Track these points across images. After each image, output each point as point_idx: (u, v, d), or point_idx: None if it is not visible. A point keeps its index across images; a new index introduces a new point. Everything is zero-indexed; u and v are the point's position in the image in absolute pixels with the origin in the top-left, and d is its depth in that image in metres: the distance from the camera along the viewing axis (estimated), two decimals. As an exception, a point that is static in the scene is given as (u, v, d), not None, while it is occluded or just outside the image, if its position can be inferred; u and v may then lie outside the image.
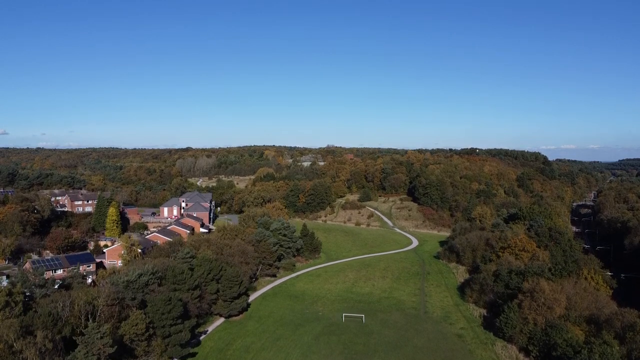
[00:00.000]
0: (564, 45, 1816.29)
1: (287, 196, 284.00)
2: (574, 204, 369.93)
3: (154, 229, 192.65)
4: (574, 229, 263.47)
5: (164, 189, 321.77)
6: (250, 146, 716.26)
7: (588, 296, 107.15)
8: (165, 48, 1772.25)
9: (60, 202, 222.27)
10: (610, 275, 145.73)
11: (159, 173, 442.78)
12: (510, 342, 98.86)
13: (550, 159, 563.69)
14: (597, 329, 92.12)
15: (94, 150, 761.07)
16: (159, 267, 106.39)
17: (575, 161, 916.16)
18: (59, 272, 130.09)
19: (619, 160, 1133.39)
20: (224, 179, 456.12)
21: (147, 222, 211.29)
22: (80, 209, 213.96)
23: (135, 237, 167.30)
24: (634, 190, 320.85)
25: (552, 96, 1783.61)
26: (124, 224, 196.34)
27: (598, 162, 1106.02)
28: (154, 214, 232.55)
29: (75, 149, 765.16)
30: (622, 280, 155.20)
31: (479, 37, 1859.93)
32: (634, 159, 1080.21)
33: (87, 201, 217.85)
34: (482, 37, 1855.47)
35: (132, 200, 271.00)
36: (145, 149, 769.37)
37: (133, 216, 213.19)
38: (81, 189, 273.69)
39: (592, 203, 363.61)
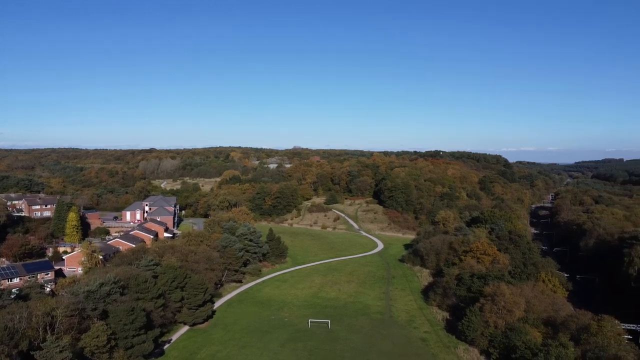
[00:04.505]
0: (524, 48, 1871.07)
1: (253, 199, 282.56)
2: (533, 206, 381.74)
3: (116, 234, 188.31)
4: (532, 230, 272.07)
5: (127, 192, 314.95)
6: (216, 147, 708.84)
7: (546, 299, 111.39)
8: (126, 47, 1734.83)
9: (17, 207, 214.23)
10: (567, 276, 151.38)
11: (121, 175, 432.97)
12: (472, 345, 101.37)
13: (510, 160, 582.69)
14: (554, 331, 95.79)
15: (53, 150, 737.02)
16: (122, 276, 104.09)
17: (534, 163, 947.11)
18: (16, 281, 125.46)
19: (576, 162, 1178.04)
20: (189, 181, 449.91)
21: (109, 227, 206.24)
22: (39, 214, 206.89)
23: (96, 243, 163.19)
24: (589, 193, 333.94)
25: (513, 100, 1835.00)
26: (84, 229, 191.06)
27: (556, 164, 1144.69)
28: (116, 218, 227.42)
29: (33, 150, 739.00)
30: (578, 281, 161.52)
31: (441, 39, 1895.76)
32: (589, 161, 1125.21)
33: (46, 205, 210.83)
34: (445, 38, 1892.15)
35: (93, 204, 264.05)
36: (107, 149, 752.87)
37: (94, 221, 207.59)
38: (39, 192, 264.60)
39: (550, 205, 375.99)
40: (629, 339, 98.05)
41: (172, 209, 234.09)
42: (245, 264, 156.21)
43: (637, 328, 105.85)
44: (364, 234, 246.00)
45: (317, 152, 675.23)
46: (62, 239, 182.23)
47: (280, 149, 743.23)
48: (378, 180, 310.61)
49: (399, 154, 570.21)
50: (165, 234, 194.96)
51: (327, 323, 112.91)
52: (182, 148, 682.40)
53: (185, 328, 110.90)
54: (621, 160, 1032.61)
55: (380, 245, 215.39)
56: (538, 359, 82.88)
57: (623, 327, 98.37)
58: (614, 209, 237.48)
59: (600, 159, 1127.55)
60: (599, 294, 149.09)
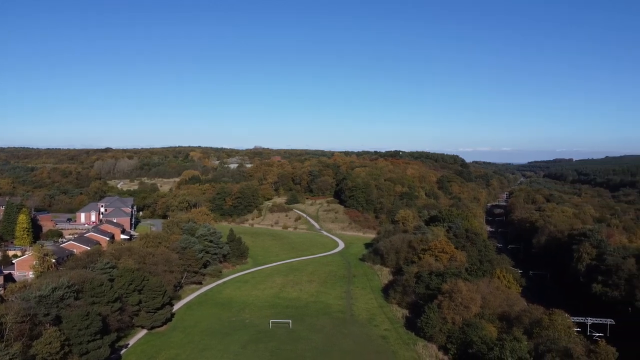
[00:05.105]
0: (479, 50, 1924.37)
1: (213, 199, 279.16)
2: (488, 204, 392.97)
3: (70, 237, 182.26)
4: (488, 228, 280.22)
5: (81, 193, 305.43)
6: (175, 147, 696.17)
7: (500, 294, 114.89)
8: (79, 44, 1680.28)
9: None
10: (521, 273, 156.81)
11: (75, 175, 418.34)
12: (430, 342, 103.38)
13: (467, 160, 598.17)
14: (509, 326, 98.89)
15: (1, 150, 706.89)
16: (76, 280, 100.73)
17: (490, 163, 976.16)
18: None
19: (529, 162, 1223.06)
20: (146, 181, 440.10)
21: (62, 229, 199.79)
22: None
23: (48, 246, 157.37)
24: (541, 192, 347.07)
25: (469, 101, 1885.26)
26: (36, 232, 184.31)
27: (510, 163, 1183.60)
28: (69, 220, 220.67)
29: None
30: (531, 277, 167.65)
31: (401, 39, 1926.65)
32: (541, 161, 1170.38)
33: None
34: (406, 38, 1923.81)
35: (45, 206, 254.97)
36: (60, 149, 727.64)
37: (46, 223, 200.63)
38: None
39: (504, 203, 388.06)
40: (578, 331, 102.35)
41: (129, 210, 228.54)
42: (205, 266, 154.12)
43: (586, 321, 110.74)
44: (325, 233, 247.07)
45: (278, 152, 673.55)
46: (12, 242, 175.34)
47: (241, 148, 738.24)
48: (339, 180, 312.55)
49: (359, 154, 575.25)
50: (122, 236, 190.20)
51: (288, 323, 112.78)
52: (139, 147, 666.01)
53: (143, 332, 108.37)
54: (571, 160, 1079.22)
55: (341, 245, 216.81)
56: (493, 353, 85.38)
57: (572, 320, 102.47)
58: (564, 207, 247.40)
59: (551, 159, 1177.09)
60: (551, 289, 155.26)
